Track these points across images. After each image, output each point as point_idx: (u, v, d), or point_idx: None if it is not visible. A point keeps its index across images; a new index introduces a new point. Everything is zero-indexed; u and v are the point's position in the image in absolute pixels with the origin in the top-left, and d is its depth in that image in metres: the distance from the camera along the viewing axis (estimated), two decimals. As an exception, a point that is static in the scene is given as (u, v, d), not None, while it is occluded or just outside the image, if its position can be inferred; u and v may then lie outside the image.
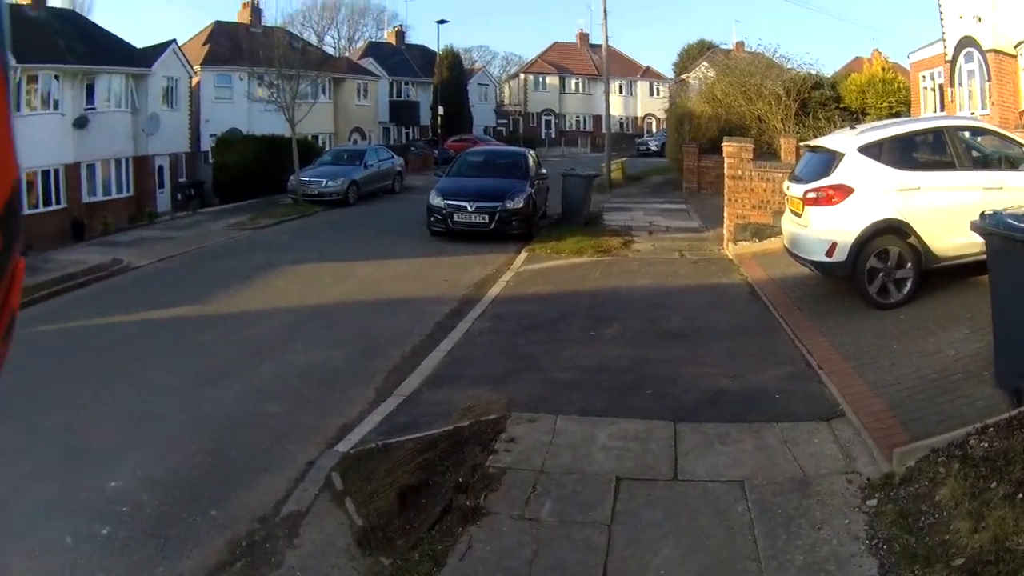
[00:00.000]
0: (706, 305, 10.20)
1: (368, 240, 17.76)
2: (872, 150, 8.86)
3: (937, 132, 9.27)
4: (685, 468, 5.24)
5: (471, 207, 16.40)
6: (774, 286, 10.49)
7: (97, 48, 29.67)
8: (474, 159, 19.97)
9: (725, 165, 14.49)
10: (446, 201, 16.70)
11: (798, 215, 9.44)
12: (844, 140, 9.34)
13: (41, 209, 26.26)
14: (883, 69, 26.75)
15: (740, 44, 45.12)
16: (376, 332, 10.01)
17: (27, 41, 26.09)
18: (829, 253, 8.74)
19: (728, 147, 14.44)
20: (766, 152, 20.08)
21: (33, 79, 26.34)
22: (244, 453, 6.37)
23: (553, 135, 67.67)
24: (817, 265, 9.22)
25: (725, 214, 14.37)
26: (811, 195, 9.05)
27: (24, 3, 29.35)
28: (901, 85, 25.38)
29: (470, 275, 13.24)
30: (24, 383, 8.55)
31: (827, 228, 8.83)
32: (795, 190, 9.58)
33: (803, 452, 5.33)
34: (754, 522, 4.52)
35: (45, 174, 26.70)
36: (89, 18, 35.79)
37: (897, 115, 21.33)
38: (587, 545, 4.44)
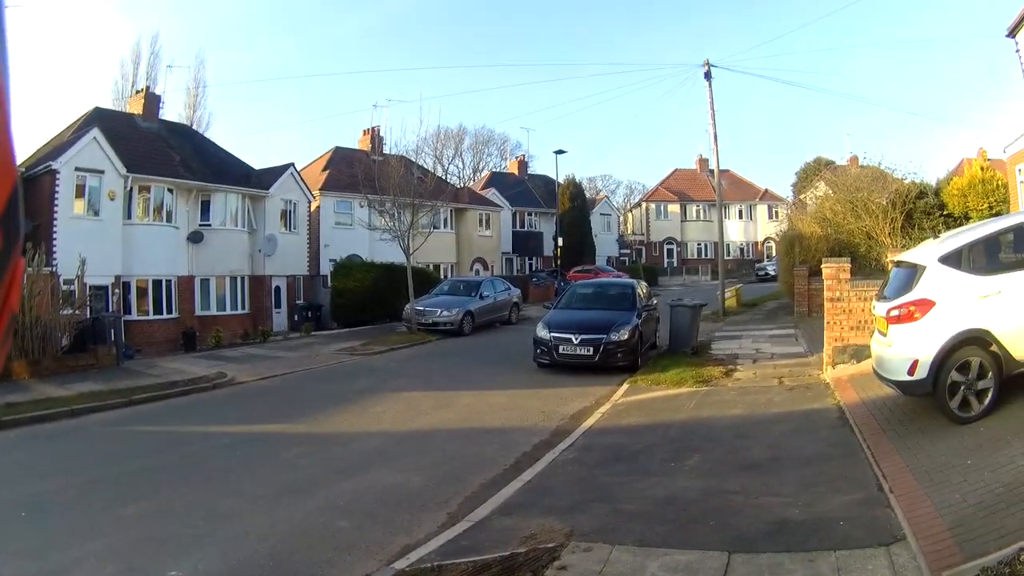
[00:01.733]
0: (791, 433, 10.44)
1: (475, 370, 18.83)
2: (952, 259, 8.94)
3: (1018, 229, 9.20)
4: (729, 602, 5.32)
5: (576, 339, 17.33)
6: (863, 409, 10.63)
7: (213, 166, 32.50)
8: (583, 291, 21.10)
9: (824, 287, 14.99)
10: (552, 334, 17.75)
11: (884, 335, 9.56)
12: (926, 252, 9.50)
13: (151, 316, 28.75)
14: (981, 169, 26.53)
15: (854, 159, 45.32)
16: (461, 460, 10.69)
17: (140, 152, 29.14)
18: (911, 371, 8.83)
19: (826, 268, 14.86)
20: (874, 269, 20.43)
21: (145, 189, 28.97)
22: (305, 561, 7.06)
23: (675, 263, 70.92)
24: (899, 385, 9.32)
25: (824, 337, 14.74)
26: (894, 313, 9.23)
27: (136, 113, 32.71)
28: (1000, 183, 25.06)
29: (568, 407, 13.90)
30: (111, 476, 9.83)
31: (909, 346, 8.93)
32: (879, 309, 9.76)
33: (853, 581, 5.38)
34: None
35: (157, 283, 29.16)
36: (205, 135, 39.88)
37: (998, 215, 20.70)
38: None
